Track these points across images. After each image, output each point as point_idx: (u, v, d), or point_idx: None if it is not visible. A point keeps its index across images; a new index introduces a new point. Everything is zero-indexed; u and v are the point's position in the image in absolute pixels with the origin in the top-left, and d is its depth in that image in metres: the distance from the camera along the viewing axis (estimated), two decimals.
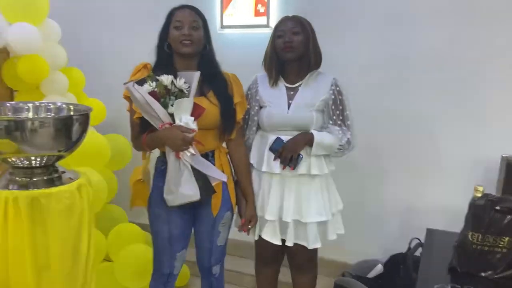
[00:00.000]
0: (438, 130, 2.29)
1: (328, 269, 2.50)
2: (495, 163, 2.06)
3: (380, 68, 2.36)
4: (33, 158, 1.34)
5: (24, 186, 1.32)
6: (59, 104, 1.52)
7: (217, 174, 1.66)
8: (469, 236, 1.40)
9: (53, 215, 1.30)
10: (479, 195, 1.40)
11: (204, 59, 1.71)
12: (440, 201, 2.23)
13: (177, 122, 1.56)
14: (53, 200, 1.31)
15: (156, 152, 1.78)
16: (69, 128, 1.36)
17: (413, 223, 2.27)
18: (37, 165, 1.36)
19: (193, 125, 1.56)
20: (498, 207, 1.37)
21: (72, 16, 2.85)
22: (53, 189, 1.32)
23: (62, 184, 1.37)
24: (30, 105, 1.49)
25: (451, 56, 2.21)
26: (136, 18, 2.83)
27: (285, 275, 2.10)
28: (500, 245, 1.38)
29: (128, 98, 1.68)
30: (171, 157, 1.62)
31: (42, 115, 1.48)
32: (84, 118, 1.40)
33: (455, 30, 2.19)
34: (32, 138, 1.28)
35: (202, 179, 1.64)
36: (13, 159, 1.32)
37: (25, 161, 1.33)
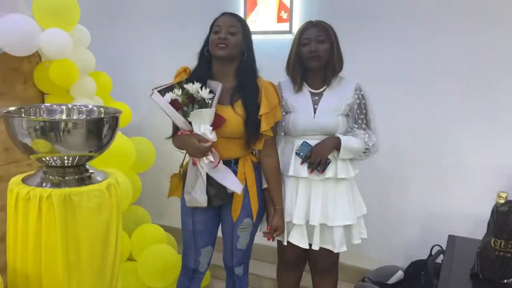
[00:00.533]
0: (462, 137, 2.26)
1: (348, 275, 2.51)
2: None
3: (404, 74, 2.36)
4: (65, 157, 1.40)
5: (57, 185, 1.39)
6: (90, 106, 1.58)
7: (231, 185, 1.69)
8: (492, 243, 1.40)
9: (84, 213, 1.36)
10: (502, 201, 1.40)
11: (243, 66, 1.73)
12: (462, 208, 2.20)
13: (195, 130, 1.61)
14: (84, 198, 1.36)
15: None
16: (100, 130, 1.41)
17: (435, 230, 2.26)
18: (69, 164, 1.42)
19: (211, 135, 1.60)
20: None
21: (99, 20, 2.96)
22: (84, 188, 1.38)
23: (92, 183, 1.43)
24: (64, 107, 1.56)
25: (475, 64, 2.19)
26: (162, 24, 2.91)
27: (303, 278, 2.12)
28: None
29: None
30: (190, 162, 1.68)
31: (75, 117, 1.55)
32: (114, 120, 1.46)
33: (478, 38, 2.17)
34: (66, 138, 1.34)
35: (217, 186, 1.69)
36: (47, 158, 1.38)
37: (58, 160, 1.40)
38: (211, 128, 1.59)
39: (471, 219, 1.68)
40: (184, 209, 1.82)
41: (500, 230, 1.39)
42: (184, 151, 1.80)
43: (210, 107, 1.60)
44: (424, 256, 2.20)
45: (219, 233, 1.90)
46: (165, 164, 2.41)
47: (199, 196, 1.65)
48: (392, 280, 2.23)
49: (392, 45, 2.36)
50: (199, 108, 1.59)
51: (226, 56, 1.66)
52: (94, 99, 2.37)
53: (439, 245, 2.13)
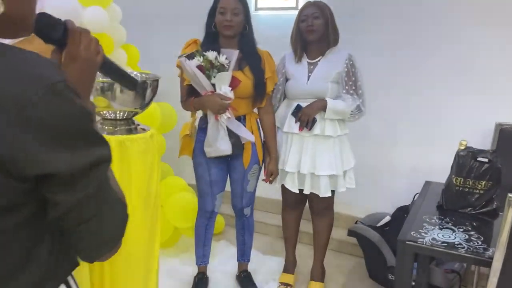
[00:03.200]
0: (442, 101, 2.64)
1: (343, 221, 2.91)
2: (490, 130, 2.41)
3: (396, 48, 2.71)
4: (118, 112, 1.77)
5: (111, 133, 1.76)
6: (135, 72, 1.94)
7: (247, 135, 2.06)
8: (454, 180, 1.77)
9: (134, 155, 1.74)
10: (463, 147, 1.77)
11: (244, 38, 2.08)
12: (441, 162, 2.57)
13: (218, 91, 1.97)
14: (135, 144, 1.74)
15: (200, 113, 2.20)
16: (144, 91, 1.78)
17: (418, 180, 2.63)
18: (120, 117, 1.79)
19: (230, 94, 1.97)
20: (478, 158, 1.74)
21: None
22: (134, 136, 1.76)
23: (138, 132, 1.80)
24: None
25: (456, 41, 2.56)
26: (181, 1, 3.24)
27: (306, 226, 2.52)
28: (478, 188, 1.74)
29: (180, 67, 2.10)
30: (211, 118, 2.03)
31: None
32: (155, 84, 1.82)
33: (459, 15, 2.52)
34: (118, 97, 1.71)
35: (234, 137, 2.05)
36: (104, 112, 1.76)
37: (112, 114, 1.77)
38: (230, 88, 1.96)
39: (447, 170, 2.03)
40: (199, 165, 2.17)
41: (460, 170, 1.76)
42: (196, 112, 2.16)
43: (227, 71, 1.96)
44: (408, 203, 2.59)
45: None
46: (190, 118, 2.78)
47: (223, 146, 2.01)
48: (380, 223, 2.63)
49: (387, 23, 2.70)
50: (218, 72, 1.95)
51: (233, 34, 2.02)
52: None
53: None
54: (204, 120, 2.14)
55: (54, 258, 0.70)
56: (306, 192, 2.19)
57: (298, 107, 2.12)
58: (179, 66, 2.12)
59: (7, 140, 0.55)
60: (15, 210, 0.60)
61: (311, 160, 2.14)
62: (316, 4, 2.11)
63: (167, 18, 3.34)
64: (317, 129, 2.11)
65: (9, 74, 0.57)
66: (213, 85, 1.98)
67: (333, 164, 2.14)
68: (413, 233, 1.56)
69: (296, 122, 2.13)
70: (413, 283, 1.80)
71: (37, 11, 0.71)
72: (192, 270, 2.46)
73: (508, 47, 2.47)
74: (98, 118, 1.82)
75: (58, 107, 0.58)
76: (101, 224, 0.69)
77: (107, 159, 0.67)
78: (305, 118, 2.09)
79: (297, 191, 2.21)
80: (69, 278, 0.75)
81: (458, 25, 2.56)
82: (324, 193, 2.17)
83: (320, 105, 2.09)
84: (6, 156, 0.55)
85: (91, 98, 1.62)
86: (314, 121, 2.10)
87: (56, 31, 0.75)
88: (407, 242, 1.51)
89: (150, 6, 3.38)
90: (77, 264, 0.77)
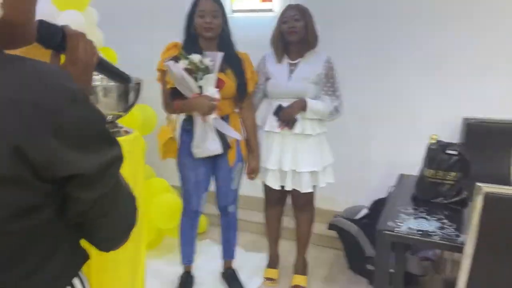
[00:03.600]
0: (414, 99, 2.77)
1: (323, 217, 2.99)
2: (458, 124, 2.55)
3: (369, 49, 2.83)
4: None
5: None
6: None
7: (233, 133, 2.13)
8: (425, 172, 1.88)
9: None
10: (433, 141, 1.88)
11: (223, 41, 2.14)
12: (414, 156, 2.70)
13: (204, 92, 2.02)
14: None
15: (181, 115, 2.24)
16: (127, 94, 1.81)
17: (393, 175, 2.75)
18: None
19: (217, 95, 2.02)
20: (447, 150, 1.85)
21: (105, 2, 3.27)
22: (118, 138, 1.78)
23: (122, 135, 1.83)
24: (97, 76, 1.93)
25: (424, 42, 2.70)
26: (159, 5, 3.26)
27: (288, 222, 2.60)
28: (448, 179, 1.85)
29: (161, 70, 2.13)
30: (198, 119, 2.08)
31: (105, 83, 1.93)
32: (138, 87, 1.85)
33: (425, 19, 2.67)
34: (102, 100, 1.73)
35: (220, 137, 2.11)
36: None
37: None
38: (217, 89, 2.01)
39: (419, 163, 2.14)
40: (185, 166, 2.22)
41: (431, 163, 1.87)
42: (176, 116, 2.21)
43: (213, 73, 2.01)
44: (384, 195, 2.69)
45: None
46: (167, 122, 2.81)
47: (212, 146, 2.06)
48: (358, 216, 2.73)
49: (361, 24, 2.81)
50: (204, 75, 1.99)
51: (213, 37, 2.08)
52: None
53: (395, 186, 2.63)
54: (187, 122, 2.17)
55: (71, 250, 0.76)
56: (288, 188, 2.26)
57: (280, 107, 2.19)
58: (160, 70, 2.15)
59: (39, 145, 0.60)
60: (44, 208, 0.65)
61: (293, 157, 2.21)
62: (297, 7, 2.19)
63: (144, 21, 3.36)
64: (298, 128, 2.19)
65: (36, 84, 0.62)
66: (200, 87, 2.03)
67: (313, 161, 2.23)
68: (390, 223, 1.65)
69: (277, 121, 2.20)
70: (391, 271, 1.90)
71: None
72: (177, 270, 2.49)
73: (473, 45, 2.61)
74: None
75: (81, 113, 0.64)
76: (118, 216, 0.76)
77: (121, 158, 0.74)
78: (286, 118, 2.17)
79: (278, 188, 2.28)
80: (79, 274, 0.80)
81: (426, 24, 2.69)
82: (306, 188, 2.25)
83: (301, 105, 2.17)
84: (40, 161, 0.60)
85: None
86: (295, 120, 2.17)
87: (55, 38, 0.79)
88: (385, 232, 1.60)
89: (127, 9, 3.38)
90: (88, 257, 0.83)
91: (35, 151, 0.59)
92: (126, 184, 0.81)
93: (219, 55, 2.01)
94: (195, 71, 1.99)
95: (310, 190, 2.27)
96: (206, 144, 2.08)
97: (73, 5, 2.44)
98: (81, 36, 0.81)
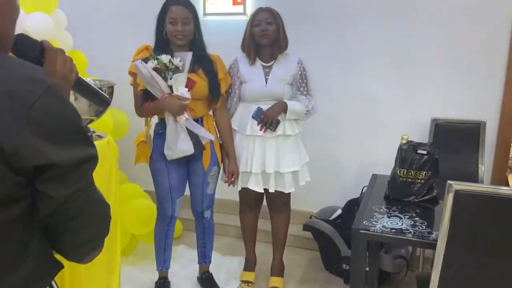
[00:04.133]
0: (383, 100, 2.85)
1: (297, 218, 3.00)
2: (426, 124, 2.63)
3: (337, 52, 2.88)
4: None
5: None
6: (88, 79, 1.92)
7: (206, 134, 2.10)
8: (398, 172, 1.93)
9: None
10: (404, 141, 1.93)
11: (195, 44, 2.13)
12: (385, 156, 2.76)
13: (175, 92, 2.00)
14: None
15: (155, 119, 2.21)
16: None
17: (365, 175, 2.80)
18: None
19: (187, 95, 2.00)
20: (418, 150, 1.91)
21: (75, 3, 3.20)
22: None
23: (94, 140, 1.80)
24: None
25: (394, 44, 2.77)
26: (126, 7, 3.21)
27: (263, 224, 2.61)
28: (419, 178, 1.91)
29: (133, 73, 2.10)
30: (170, 120, 2.05)
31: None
32: (110, 90, 1.82)
33: (393, 23, 2.75)
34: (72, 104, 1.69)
35: (194, 138, 2.08)
36: None
37: None
38: (187, 89, 1.99)
39: (391, 163, 2.19)
40: (159, 171, 2.18)
41: (403, 162, 1.92)
42: (150, 119, 2.18)
43: (183, 73, 1.99)
44: (357, 195, 2.74)
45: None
46: (136, 133, 2.77)
47: (184, 146, 2.02)
48: (333, 216, 2.76)
49: (330, 28, 2.86)
50: (173, 74, 1.97)
51: (185, 43, 2.07)
52: None
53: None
54: (160, 125, 2.15)
55: (43, 256, 0.74)
56: (271, 190, 2.27)
57: (259, 110, 2.19)
58: (131, 73, 2.12)
59: (11, 134, 0.61)
60: (12, 203, 0.65)
61: (275, 159, 2.23)
62: (268, 10, 2.21)
63: (113, 23, 3.29)
64: (280, 129, 2.21)
65: (11, 75, 0.63)
66: (170, 87, 2.01)
67: (295, 161, 2.26)
68: (365, 222, 1.68)
69: (258, 124, 2.20)
70: (366, 269, 1.93)
71: None
72: (152, 276, 2.46)
73: (440, 45, 2.70)
74: None
75: (56, 106, 0.66)
76: (89, 220, 0.75)
77: (96, 158, 0.74)
78: (269, 120, 2.17)
79: (262, 191, 2.29)
80: (53, 283, 0.78)
81: (394, 25, 2.76)
82: (289, 188, 2.28)
83: (282, 107, 2.19)
84: (10, 149, 0.60)
85: None
86: (277, 122, 2.19)
87: (34, 51, 0.79)
88: (360, 231, 1.63)
89: (96, 11, 3.31)
90: (61, 267, 0.80)
91: (8, 140, 0.60)
92: (99, 191, 0.80)
93: (189, 55, 2.00)
94: (164, 71, 1.97)
95: (293, 189, 2.30)
96: (177, 145, 2.05)
97: (41, 7, 2.37)
98: (60, 50, 0.83)
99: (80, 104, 1.70)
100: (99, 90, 1.04)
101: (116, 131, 2.81)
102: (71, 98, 1.68)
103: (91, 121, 1.82)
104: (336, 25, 2.86)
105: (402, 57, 2.77)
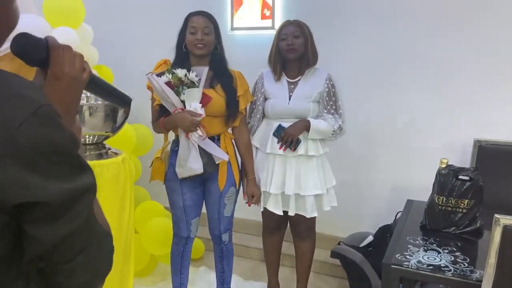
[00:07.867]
0: (420, 120, 2.63)
1: (325, 242, 2.84)
2: (469, 146, 2.41)
3: (373, 66, 2.70)
4: (87, 136, 1.69)
5: None
6: None
7: (220, 154, 1.98)
8: (436, 199, 1.74)
9: (105, 181, 1.65)
10: (444, 166, 1.74)
11: (215, 58, 2.03)
12: (422, 180, 2.55)
13: (187, 107, 1.90)
14: (105, 169, 1.66)
15: (173, 135, 2.12)
16: (115, 114, 1.71)
17: (399, 200, 2.60)
18: (90, 142, 1.71)
19: (201, 111, 1.90)
20: (459, 176, 1.72)
21: (101, 19, 3.21)
22: (104, 161, 1.68)
23: (109, 157, 1.72)
24: (83, 95, 1.83)
25: (435, 62, 2.57)
26: (154, 22, 3.19)
27: (288, 248, 2.44)
28: (461, 206, 1.71)
29: (150, 88, 2.03)
30: (182, 136, 1.95)
31: (92, 101, 1.82)
32: (127, 106, 1.74)
33: (435, 35, 2.54)
34: (88, 120, 1.63)
35: (206, 157, 1.97)
36: None
37: (81, 138, 1.68)
38: (201, 105, 1.89)
39: (428, 188, 2.00)
40: (173, 190, 2.08)
41: (442, 189, 1.73)
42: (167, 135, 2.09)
43: (197, 88, 1.90)
44: (390, 221, 2.54)
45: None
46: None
47: (194, 165, 1.91)
48: (363, 243, 2.57)
49: (365, 42, 2.70)
50: (186, 89, 1.88)
51: (204, 54, 1.97)
52: None
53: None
54: (176, 142, 2.06)
55: None
56: (291, 213, 2.12)
57: (280, 127, 2.07)
58: (149, 87, 2.05)
59: None
60: None
61: (296, 180, 2.08)
62: (296, 23, 2.09)
63: (140, 37, 3.28)
64: (301, 149, 2.06)
65: None
66: (183, 102, 1.92)
67: (318, 183, 2.10)
68: (398, 256, 1.51)
69: (278, 142, 2.08)
70: None
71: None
72: None
73: (484, 61, 2.48)
74: None
75: (44, 130, 0.56)
76: (89, 259, 0.64)
77: (94, 187, 0.63)
78: (289, 139, 2.04)
79: (281, 213, 2.14)
80: None
81: (434, 40, 2.56)
82: (311, 213, 2.11)
83: (304, 125, 2.05)
84: None
85: None
86: (298, 141, 2.05)
87: (40, 52, 0.69)
88: (393, 266, 1.46)
89: (122, 26, 3.31)
90: None
91: None
92: (102, 218, 0.70)
93: (205, 70, 1.91)
94: (178, 85, 1.88)
95: (315, 214, 2.13)
96: (188, 163, 1.94)
97: (67, 21, 2.36)
98: (66, 47, 0.72)
99: (95, 119, 1.64)
100: (118, 89, 0.91)
101: (139, 147, 2.77)
102: (86, 114, 1.63)
103: (107, 137, 1.75)
104: (371, 37, 2.68)
105: (442, 72, 2.55)
